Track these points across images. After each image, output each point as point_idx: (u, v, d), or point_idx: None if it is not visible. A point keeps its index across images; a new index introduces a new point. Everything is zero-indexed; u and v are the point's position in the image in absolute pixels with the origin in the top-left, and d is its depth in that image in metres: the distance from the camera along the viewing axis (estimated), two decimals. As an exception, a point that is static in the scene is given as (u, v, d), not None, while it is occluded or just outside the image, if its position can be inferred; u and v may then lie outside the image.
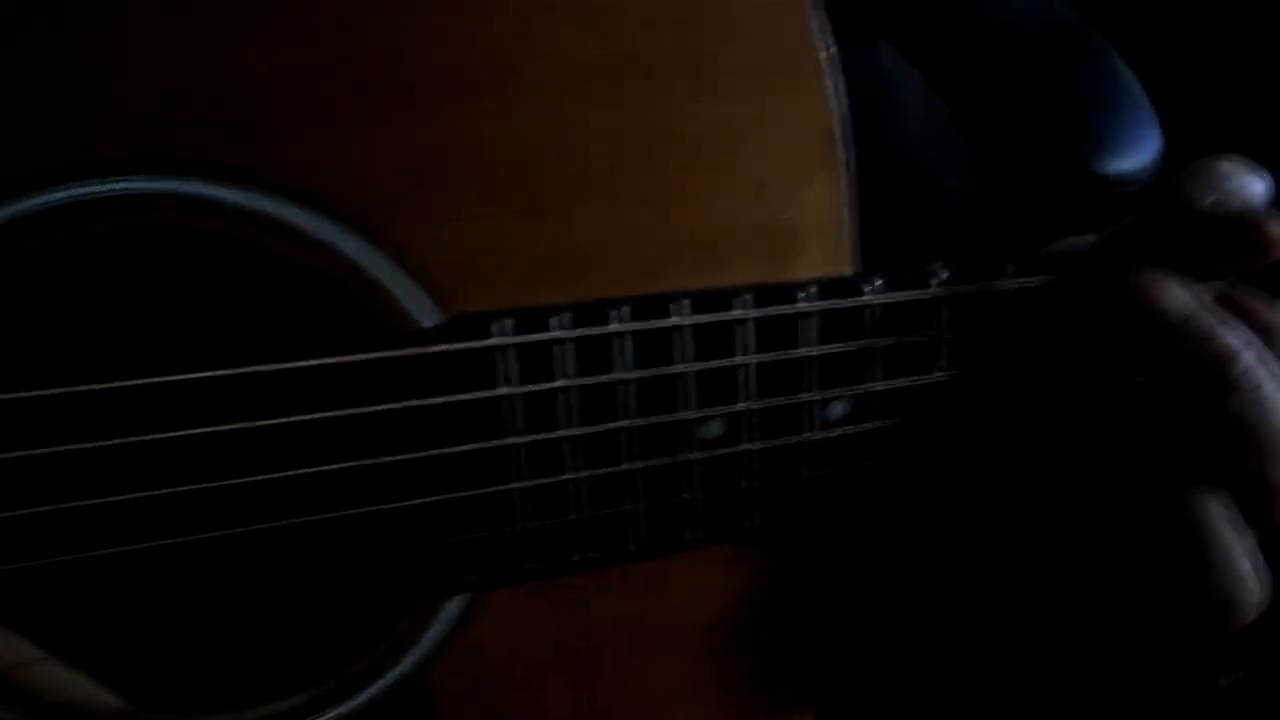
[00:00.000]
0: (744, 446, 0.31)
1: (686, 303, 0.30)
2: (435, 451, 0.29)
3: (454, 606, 0.32)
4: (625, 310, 0.29)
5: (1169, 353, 0.31)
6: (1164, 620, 0.31)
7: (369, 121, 0.28)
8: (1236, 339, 0.31)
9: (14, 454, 0.27)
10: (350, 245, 0.29)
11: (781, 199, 0.30)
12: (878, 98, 0.67)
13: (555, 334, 0.29)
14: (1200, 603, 0.30)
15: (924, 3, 0.79)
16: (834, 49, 0.29)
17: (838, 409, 0.32)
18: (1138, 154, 0.69)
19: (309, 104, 0.28)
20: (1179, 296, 0.31)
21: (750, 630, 0.34)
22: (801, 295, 0.30)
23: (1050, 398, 0.32)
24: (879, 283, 0.31)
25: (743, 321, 0.30)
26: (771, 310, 0.30)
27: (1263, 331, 0.31)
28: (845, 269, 0.31)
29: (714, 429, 0.31)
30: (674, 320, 0.30)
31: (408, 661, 0.33)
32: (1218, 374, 0.30)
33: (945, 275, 0.31)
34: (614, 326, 0.29)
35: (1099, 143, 0.69)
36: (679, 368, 0.30)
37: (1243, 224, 0.32)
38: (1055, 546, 0.32)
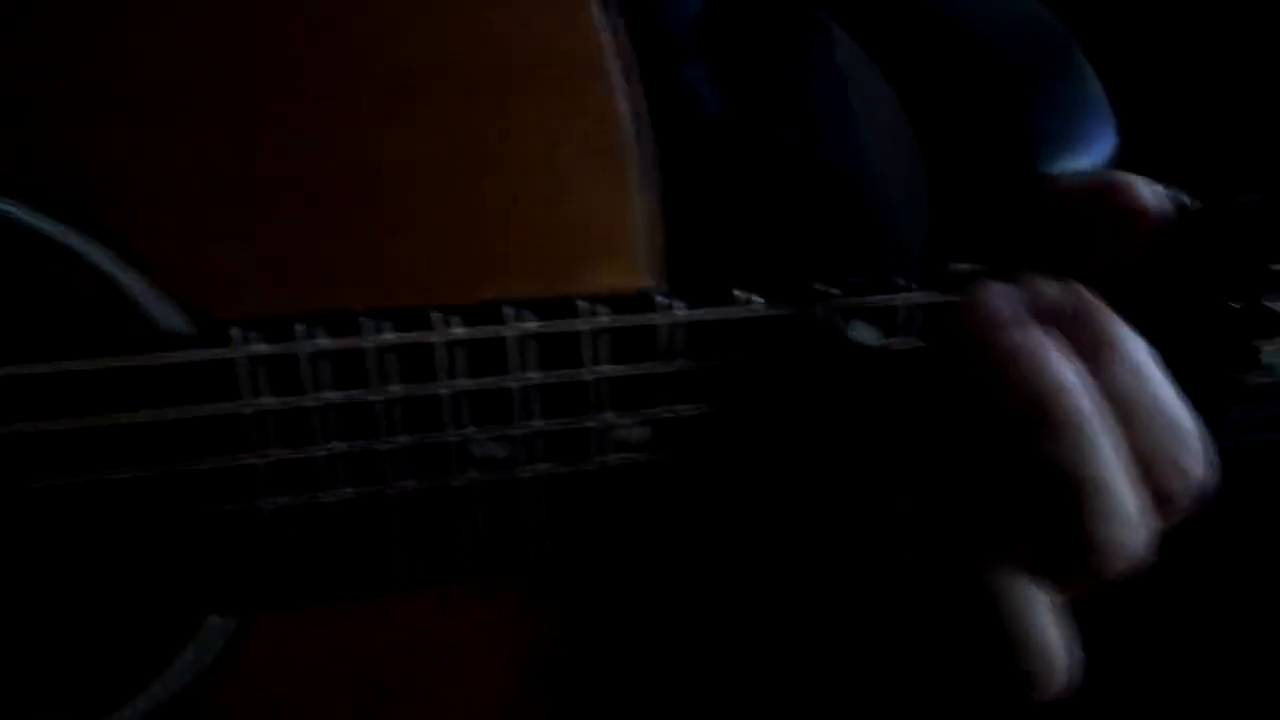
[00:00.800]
0: (527, 471, 0.29)
1: (455, 317, 0.27)
2: (177, 466, 0.27)
3: (219, 628, 0.30)
4: (385, 323, 0.27)
5: (977, 377, 0.28)
6: (962, 683, 0.28)
7: (124, 132, 0.26)
8: (1064, 369, 0.28)
9: None
10: (99, 256, 0.27)
11: (568, 207, 0.27)
12: (827, 97, 0.64)
13: (302, 345, 0.27)
14: (998, 679, 0.27)
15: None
16: (625, 53, 0.27)
17: (637, 434, 0.29)
18: (1088, 154, 0.66)
19: (64, 111, 0.26)
20: (1003, 306, 0.28)
21: (549, 659, 0.32)
22: (586, 310, 0.28)
23: (864, 438, 0.30)
24: (679, 300, 0.28)
25: (518, 337, 0.28)
26: (552, 326, 0.28)
27: (1093, 349, 0.28)
28: (646, 283, 0.29)
29: (493, 451, 0.29)
30: (437, 335, 0.27)
31: (174, 684, 0.31)
32: (1036, 411, 0.27)
33: (759, 299, 0.29)
34: (370, 340, 0.27)
35: (1046, 142, 0.66)
36: (441, 386, 0.27)
37: (1103, 187, 0.29)
38: (850, 596, 0.29)
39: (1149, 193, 0.29)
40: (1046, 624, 0.28)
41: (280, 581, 0.28)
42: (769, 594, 0.31)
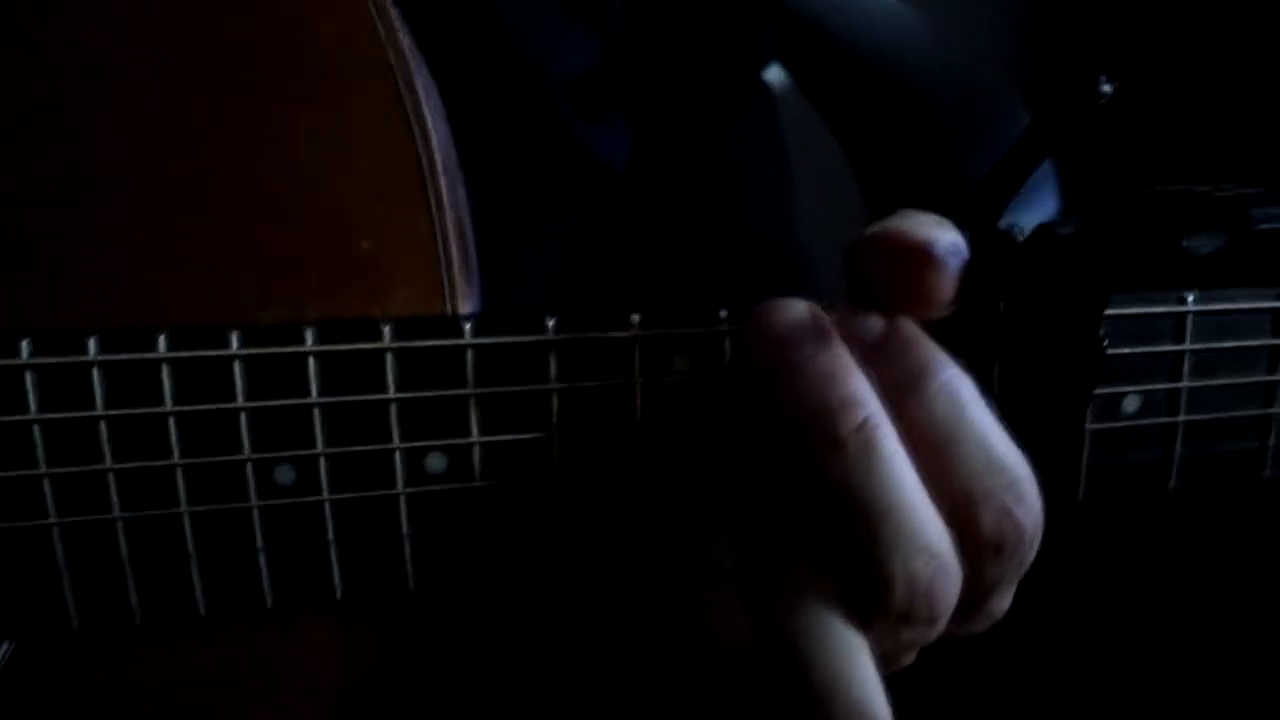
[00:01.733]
0: (319, 496, 0.28)
1: (236, 334, 0.27)
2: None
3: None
4: (163, 338, 0.27)
5: (775, 395, 0.27)
6: None
7: None
8: (857, 384, 0.27)
9: None
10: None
11: (364, 228, 0.27)
12: (753, 155, 0.65)
13: (85, 358, 0.27)
14: None
15: (824, 49, 0.77)
16: (427, 80, 0.27)
17: (435, 462, 0.29)
18: (1029, 212, 0.65)
19: None
20: (792, 320, 0.27)
21: (358, 691, 0.31)
22: (378, 330, 0.27)
23: (670, 469, 0.29)
24: (473, 323, 0.28)
25: (304, 356, 0.27)
26: (341, 346, 0.27)
27: (905, 380, 0.27)
28: (444, 307, 0.28)
29: (284, 475, 0.28)
30: (224, 351, 0.27)
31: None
32: (823, 427, 0.26)
33: (556, 320, 0.28)
34: (152, 354, 0.27)
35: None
36: (234, 405, 0.27)
37: (900, 254, 0.28)
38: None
39: (924, 233, 0.28)
40: (861, 673, 0.27)
41: (59, 606, 0.28)
42: (585, 624, 0.30)
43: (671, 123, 0.62)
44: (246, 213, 0.27)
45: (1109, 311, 0.31)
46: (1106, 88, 0.27)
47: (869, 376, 0.27)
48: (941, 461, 0.27)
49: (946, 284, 0.27)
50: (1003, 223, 0.74)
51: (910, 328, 0.29)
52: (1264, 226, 0.22)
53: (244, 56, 0.26)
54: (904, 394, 0.27)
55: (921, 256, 0.27)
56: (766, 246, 0.60)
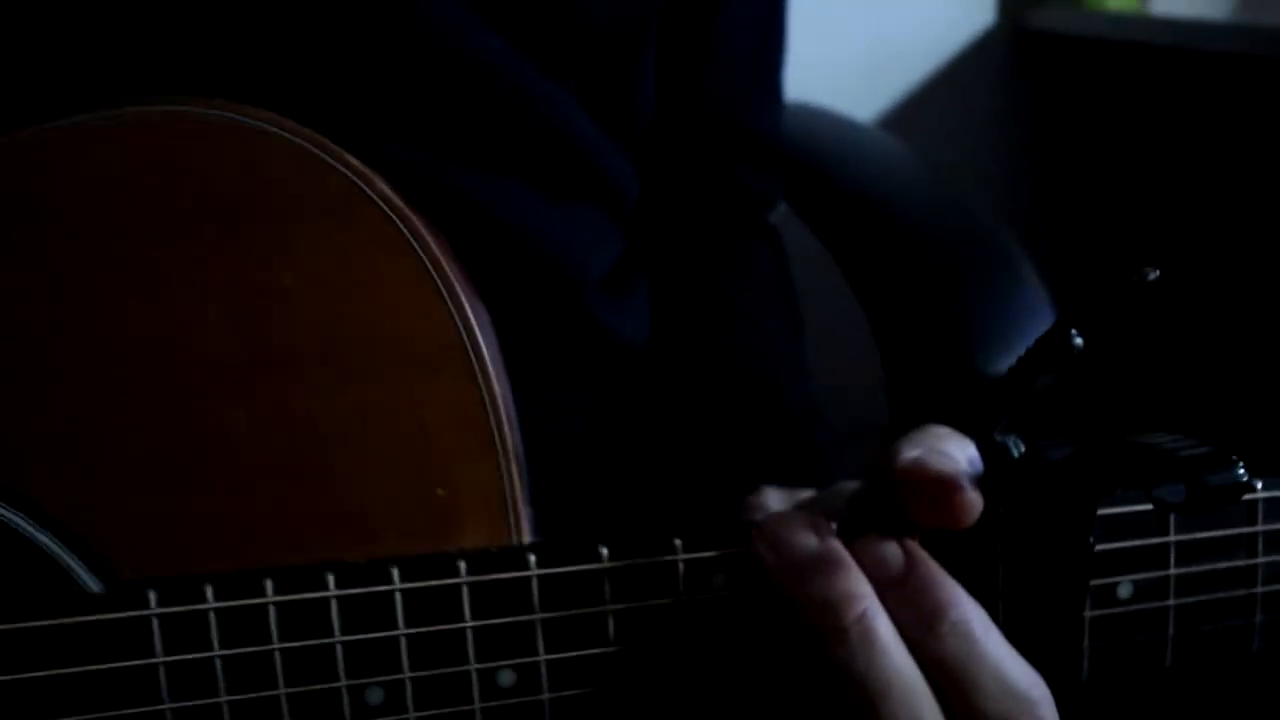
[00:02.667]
0: (406, 715, 0.32)
1: (332, 576, 0.31)
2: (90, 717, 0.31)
3: None
4: (270, 583, 0.31)
5: (791, 599, 0.31)
6: None
7: (25, 401, 0.30)
8: (855, 583, 0.30)
9: None
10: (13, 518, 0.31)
11: (437, 478, 0.31)
12: (766, 307, 0.68)
13: (205, 605, 0.31)
14: None
15: (827, 188, 0.81)
16: (490, 337, 0.31)
17: (506, 677, 0.32)
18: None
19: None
20: (802, 538, 0.31)
21: None
22: (454, 566, 0.31)
23: (720, 671, 0.32)
24: (536, 555, 0.32)
25: (391, 593, 0.31)
26: (423, 583, 0.31)
27: (922, 616, 0.31)
28: (510, 541, 0.32)
29: (374, 696, 0.32)
30: (321, 593, 0.31)
31: None
32: (829, 620, 0.30)
33: (607, 550, 0.32)
34: (261, 599, 0.31)
35: (986, 340, 0.69)
36: (332, 639, 0.31)
37: (934, 483, 0.32)
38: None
39: (954, 462, 0.32)
40: None
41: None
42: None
43: (683, 272, 0.66)
44: (322, 470, 0.31)
45: (1100, 511, 0.35)
46: (1152, 275, 0.31)
47: (887, 609, 0.31)
48: (961, 691, 0.31)
49: (974, 508, 0.31)
50: (1002, 366, 0.77)
51: (927, 566, 0.32)
52: (1215, 483, 0.26)
53: (323, 336, 0.31)
54: (922, 630, 0.31)
55: (953, 487, 0.31)
56: (781, 399, 0.64)
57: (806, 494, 0.48)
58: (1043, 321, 0.70)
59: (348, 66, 0.46)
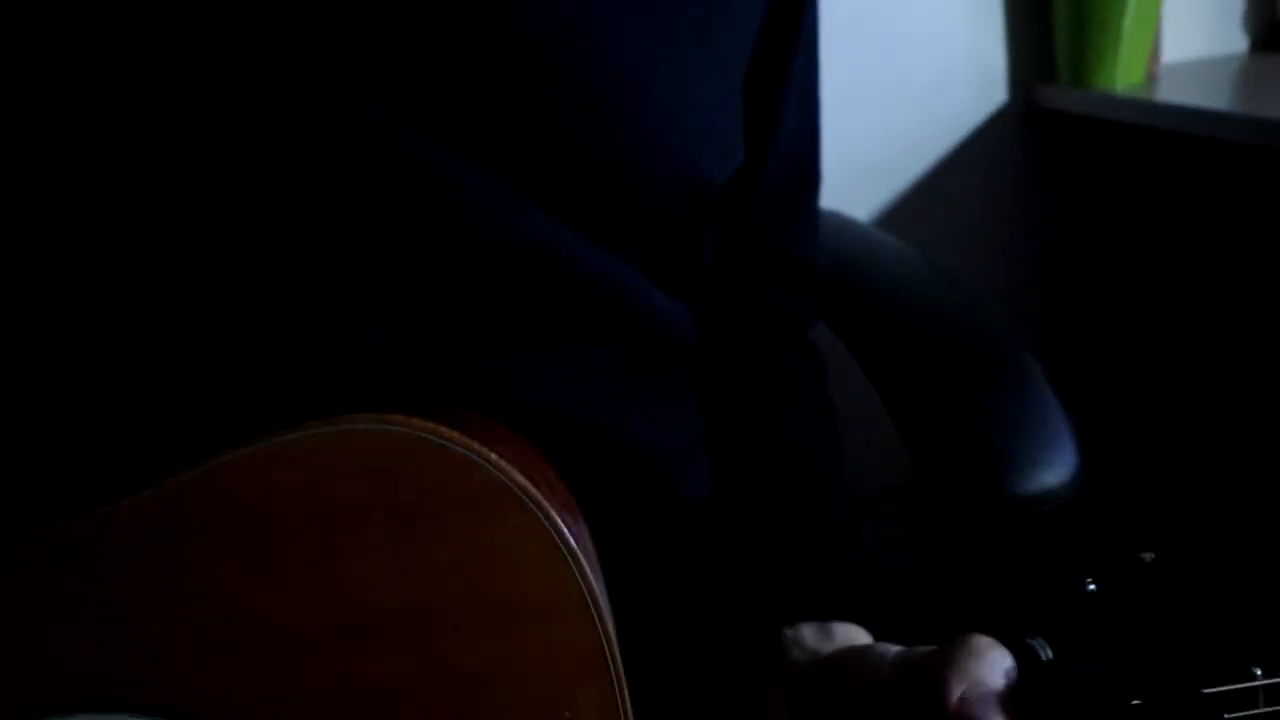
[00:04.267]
0: None
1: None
2: None
3: None
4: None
5: None
6: None
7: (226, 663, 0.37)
8: None
9: None
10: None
11: (564, 703, 0.38)
12: (809, 432, 0.72)
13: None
14: None
15: (853, 296, 0.86)
16: (595, 567, 0.38)
17: None
18: (1052, 473, 0.74)
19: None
20: None
21: None
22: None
23: None
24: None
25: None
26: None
27: None
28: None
29: None
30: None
31: None
32: None
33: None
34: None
35: (1012, 463, 0.74)
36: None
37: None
38: None
39: (997, 673, 0.38)
40: None
41: None
42: None
43: (727, 398, 0.71)
44: (468, 708, 0.37)
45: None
46: (1147, 556, 0.37)
47: None
48: None
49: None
50: (1025, 487, 0.83)
51: None
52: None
53: (467, 596, 0.37)
54: None
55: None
56: (823, 519, 0.68)
57: (842, 630, 0.54)
58: (1063, 438, 0.75)
59: (417, 276, 0.50)
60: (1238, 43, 1.58)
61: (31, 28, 0.46)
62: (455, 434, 0.37)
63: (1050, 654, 0.39)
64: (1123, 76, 1.38)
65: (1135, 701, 0.36)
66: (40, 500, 0.45)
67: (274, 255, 0.48)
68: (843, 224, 1.02)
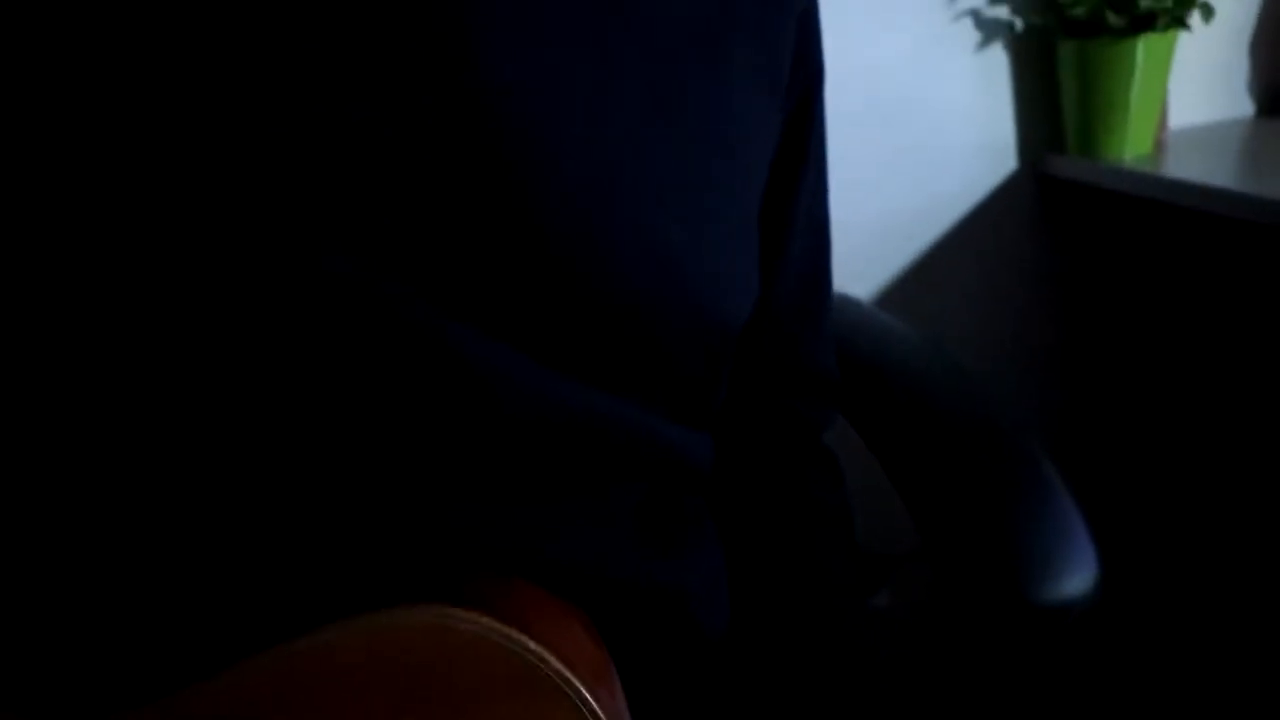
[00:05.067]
0: None
1: None
2: None
3: None
4: None
5: None
6: None
7: None
8: None
9: None
10: None
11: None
12: (826, 540, 0.73)
13: None
14: None
15: (866, 382, 0.87)
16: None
17: None
18: (1074, 583, 0.75)
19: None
20: None
21: None
22: None
23: None
24: None
25: None
26: None
27: None
28: None
29: None
30: None
31: None
32: None
33: None
34: None
35: (1034, 573, 0.75)
36: None
37: None
38: None
39: None
40: None
41: None
42: None
43: (744, 514, 0.71)
44: None
45: None
46: None
47: None
48: None
49: None
50: (1045, 594, 0.83)
51: None
52: None
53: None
54: None
55: None
56: (837, 631, 0.69)
57: None
58: (1084, 552, 0.76)
59: (441, 445, 0.50)
60: (1244, 107, 1.60)
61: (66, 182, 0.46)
62: (497, 625, 0.39)
63: None
64: (1131, 148, 1.40)
65: None
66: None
67: (298, 432, 0.48)
68: (847, 307, 1.04)
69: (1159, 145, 1.46)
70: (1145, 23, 1.35)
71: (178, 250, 0.46)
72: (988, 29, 1.46)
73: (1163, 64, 1.39)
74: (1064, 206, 1.53)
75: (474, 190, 0.49)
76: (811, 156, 0.67)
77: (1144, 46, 1.35)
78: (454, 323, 0.49)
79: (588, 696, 0.40)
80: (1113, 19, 1.34)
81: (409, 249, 0.48)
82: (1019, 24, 1.46)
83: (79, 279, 0.46)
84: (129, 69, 0.45)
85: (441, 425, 0.50)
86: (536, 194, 0.50)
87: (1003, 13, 1.45)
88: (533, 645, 0.39)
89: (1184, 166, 1.36)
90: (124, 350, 0.47)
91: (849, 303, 1.08)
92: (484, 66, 0.49)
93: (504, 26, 0.49)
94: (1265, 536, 1.37)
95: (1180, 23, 1.36)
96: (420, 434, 0.50)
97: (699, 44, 0.56)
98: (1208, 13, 1.37)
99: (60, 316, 0.47)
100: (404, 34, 0.48)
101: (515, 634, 0.39)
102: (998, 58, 1.46)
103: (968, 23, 1.45)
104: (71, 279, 0.46)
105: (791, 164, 0.66)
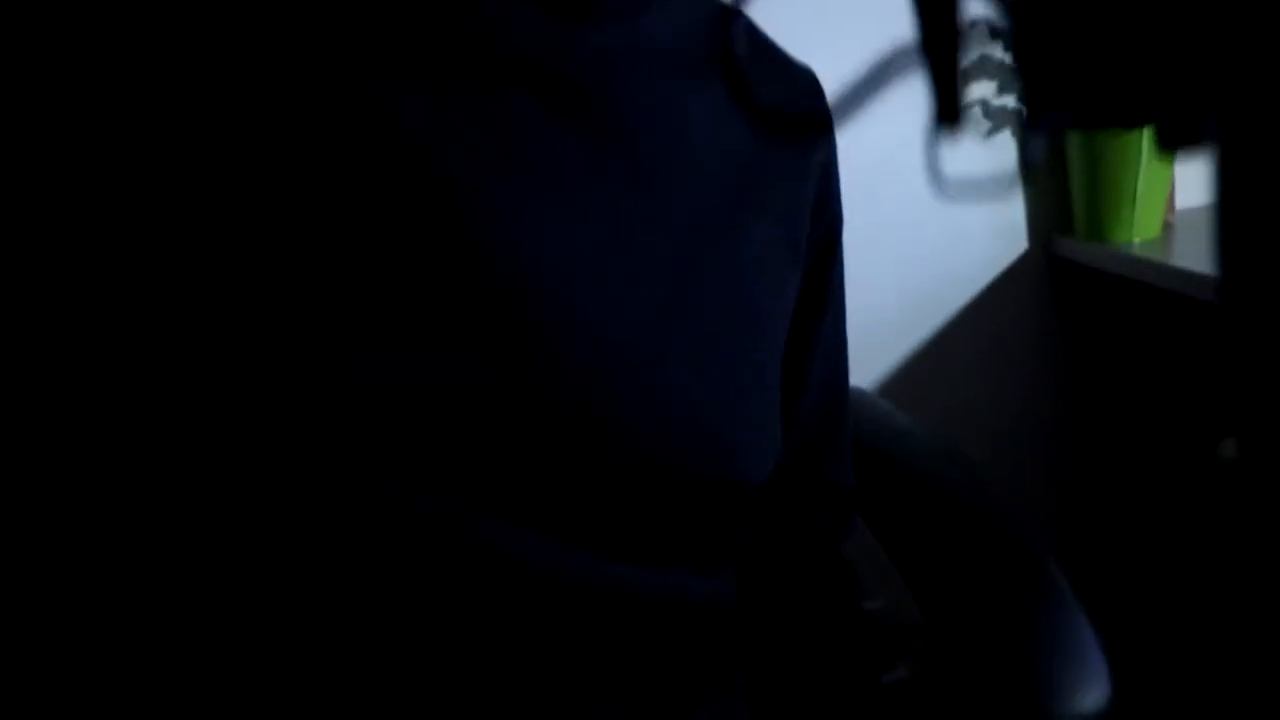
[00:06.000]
0: None
1: None
2: None
3: None
4: None
5: None
6: None
7: None
8: None
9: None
10: None
11: None
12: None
13: None
14: None
15: (881, 506, 0.88)
16: None
17: None
18: (1088, 698, 0.77)
19: None
20: None
21: None
22: None
23: None
24: None
25: None
26: None
27: None
28: None
29: None
30: None
31: None
32: None
33: None
34: None
35: (1050, 688, 0.77)
36: None
37: None
38: None
39: None
40: None
41: None
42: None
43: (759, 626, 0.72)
44: None
45: None
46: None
47: None
48: None
49: None
50: (1060, 711, 0.85)
51: None
52: None
53: None
54: None
55: None
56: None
57: None
58: (1097, 667, 0.78)
59: (477, 635, 0.51)
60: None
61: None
62: None
63: None
64: (1138, 232, 1.43)
65: None
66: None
67: (327, 621, 0.49)
68: (880, 414, 1.06)
69: (1167, 227, 1.49)
70: (1150, 111, 1.38)
71: (236, 468, 0.46)
72: (997, 115, 1.50)
73: (1169, 153, 1.41)
74: (1074, 287, 1.56)
75: (507, 375, 0.50)
76: (831, 296, 0.69)
77: (1150, 135, 1.38)
78: (486, 517, 0.50)
79: None
80: (1119, 108, 1.37)
81: (448, 456, 0.49)
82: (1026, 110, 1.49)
83: (149, 502, 0.47)
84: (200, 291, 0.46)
85: (462, 608, 0.50)
86: (565, 372, 0.51)
87: (1010, 100, 1.49)
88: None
89: (1191, 251, 1.38)
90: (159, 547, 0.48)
91: (859, 396, 1.10)
92: (516, 254, 0.50)
93: (534, 214, 0.51)
94: (1272, 623, 1.37)
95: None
96: (441, 616, 0.50)
97: (719, 223, 0.58)
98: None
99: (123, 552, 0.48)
100: (432, 234, 0.49)
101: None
102: (1007, 141, 1.50)
103: (978, 109, 1.49)
104: (142, 502, 0.47)
105: (811, 314, 0.68)
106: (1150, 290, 1.42)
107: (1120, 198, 1.41)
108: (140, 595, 0.48)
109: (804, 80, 0.67)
